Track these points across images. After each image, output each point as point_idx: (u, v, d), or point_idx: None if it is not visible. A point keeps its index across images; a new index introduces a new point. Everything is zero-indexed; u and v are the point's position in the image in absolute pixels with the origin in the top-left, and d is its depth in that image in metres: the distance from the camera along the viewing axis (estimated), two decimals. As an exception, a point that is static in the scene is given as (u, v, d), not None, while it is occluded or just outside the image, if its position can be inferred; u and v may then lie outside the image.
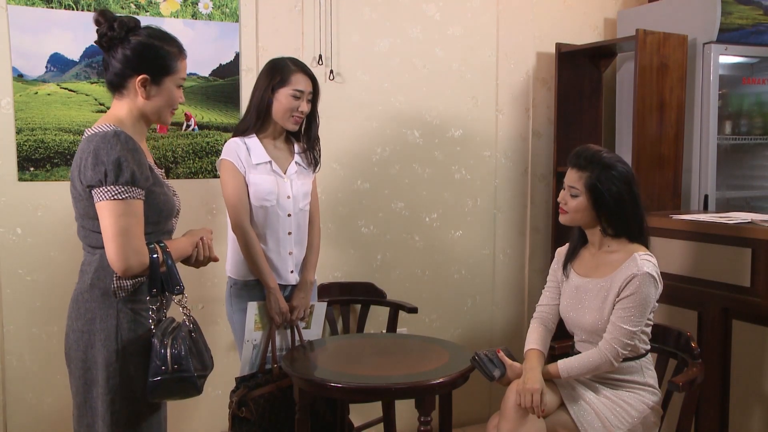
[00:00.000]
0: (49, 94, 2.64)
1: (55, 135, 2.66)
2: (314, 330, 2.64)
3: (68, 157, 2.67)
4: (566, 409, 2.15)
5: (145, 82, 1.78)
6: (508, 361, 2.21)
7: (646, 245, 2.20)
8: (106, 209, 1.67)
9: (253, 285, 2.48)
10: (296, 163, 2.55)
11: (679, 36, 3.20)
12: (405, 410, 3.14)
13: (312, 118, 2.56)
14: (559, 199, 2.24)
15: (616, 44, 3.43)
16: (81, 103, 2.69)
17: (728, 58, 3.38)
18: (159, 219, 1.81)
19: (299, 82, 2.45)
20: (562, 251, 2.38)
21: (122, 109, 1.81)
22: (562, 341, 2.43)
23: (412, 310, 3.03)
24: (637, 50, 3.11)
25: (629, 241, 2.18)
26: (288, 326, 2.53)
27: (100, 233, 1.71)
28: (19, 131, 2.61)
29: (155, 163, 1.92)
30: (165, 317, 1.81)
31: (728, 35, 3.23)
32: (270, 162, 2.47)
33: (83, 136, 1.77)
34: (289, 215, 2.50)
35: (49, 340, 2.70)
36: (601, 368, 2.13)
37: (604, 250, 2.21)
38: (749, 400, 2.61)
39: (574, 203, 2.18)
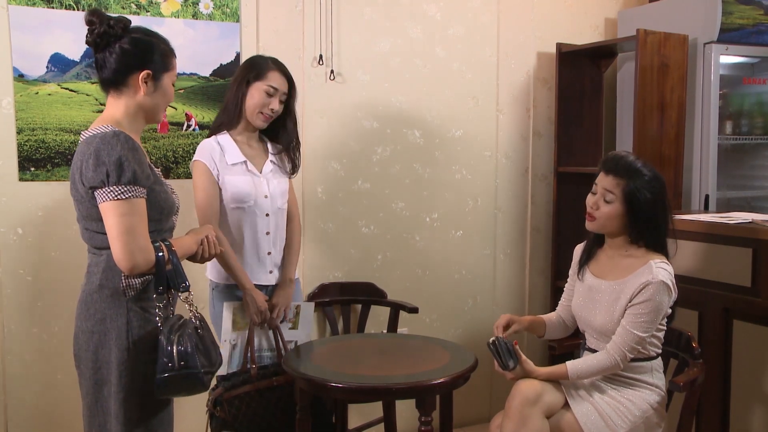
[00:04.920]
0: (49, 94, 2.64)
1: (56, 135, 2.66)
2: (302, 331, 2.61)
3: (69, 157, 2.67)
4: (570, 408, 2.16)
5: (147, 78, 1.80)
6: (522, 356, 2.21)
7: (666, 253, 2.18)
8: (110, 209, 1.69)
9: (235, 286, 2.45)
10: (271, 161, 2.52)
11: (680, 36, 3.20)
12: (405, 410, 3.14)
13: (288, 120, 2.53)
14: (590, 204, 2.20)
15: (616, 44, 3.43)
16: (82, 103, 2.69)
17: (729, 58, 3.38)
18: (161, 217, 1.82)
19: (275, 79, 2.43)
20: (578, 251, 2.39)
21: (119, 108, 1.82)
22: (564, 340, 2.43)
23: (413, 310, 3.03)
24: (637, 50, 3.11)
25: (647, 249, 2.18)
26: (268, 327, 2.49)
27: (105, 234, 1.72)
28: (19, 131, 2.61)
29: (151, 162, 1.92)
30: (172, 314, 1.82)
31: (729, 35, 3.23)
32: (245, 162, 2.44)
33: (81, 139, 1.78)
34: (267, 215, 2.47)
35: (49, 340, 2.70)
36: (609, 370, 2.15)
37: (620, 253, 2.21)
38: (750, 400, 2.61)
39: (606, 210, 2.15)
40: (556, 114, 3.55)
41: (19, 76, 2.59)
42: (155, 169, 1.88)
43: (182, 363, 1.69)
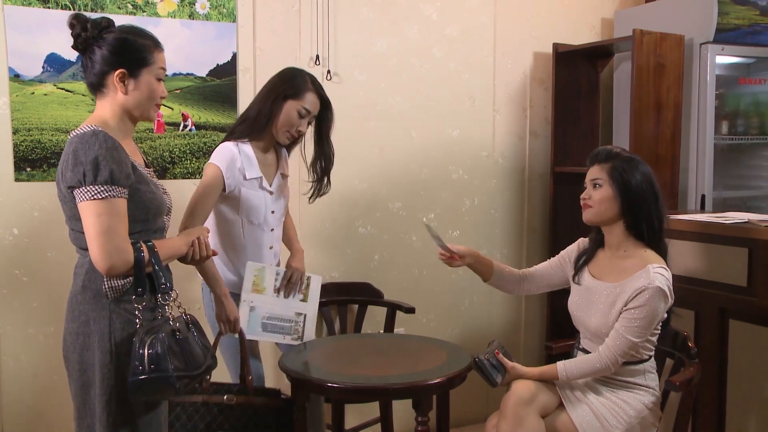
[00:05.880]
0: (45, 95, 2.64)
1: (52, 135, 2.65)
2: (311, 304, 2.57)
3: (65, 157, 2.67)
4: (565, 409, 2.16)
5: (122, 77, 1.77)
6: (509, 363, 2.21)
7: (663, 253, 2.18)
8: (87, 209, 1.67)
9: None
10: (281, 174, 2.49)
11: (676, 36, 3.20)
12: (402, 410, 3.14)
13: (326, 145, 2.49)
14: (582, 196, 2.21)
15: (613, 44, 3.43)
16: (78, 104, 2.68)
17: (725, 58, 3.39)
18: (147, 217, 1.79)
19: (310, 100, 2.38)
20: (583, 243, 2.37)
21: (105, 109, 1.80)
22: (561, 341, 2.44)
23: (410, 310, 3.03)
24: (634, 50, 3.11)
25: (646, 247, 2.17)
26: (233, 333, 2.40)
27: None
28: (15, 131, 2.60)
29: (145, 162, 1.90)
30: (161, 317, 1.80)
31: (725, 35, 3.23)
32: (261, 178, 2.40)
33: (68, 139, 1.76)
34: (272, 230, 2.47)
35: (45, 340, 2.69)
36: (599, 373, 2.14)
37: (620, 254, 2.20)
38: (746, 400, 2.61)
39: (598, 194, 2.16)
40: (552, 114, 3.55)
41: (15, 76, 2.59)
42: (145, 168, 1.85)
43: (152, 366, 1.66)
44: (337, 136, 3.12)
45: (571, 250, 2.39)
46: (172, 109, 2.83)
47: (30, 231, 2.65)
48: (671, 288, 2.11)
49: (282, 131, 2.39)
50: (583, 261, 2.31)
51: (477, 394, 3.49)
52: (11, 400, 2.66)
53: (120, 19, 2.69)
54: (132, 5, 2.74)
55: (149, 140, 2.80)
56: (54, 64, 2.64)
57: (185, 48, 2.82)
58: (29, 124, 2.62)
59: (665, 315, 2.15)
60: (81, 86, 2.68)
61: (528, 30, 3.56)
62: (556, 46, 3.51)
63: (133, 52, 1.78)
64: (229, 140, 2.40)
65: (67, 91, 2.67)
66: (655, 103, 3.17)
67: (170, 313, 1.81)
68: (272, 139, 2.44)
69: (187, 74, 2.84)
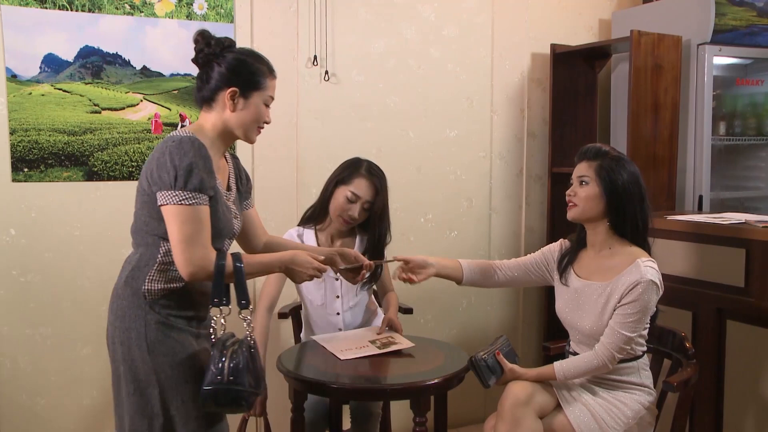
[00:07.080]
0: (43, 95, 2.63)
1: (49, 136, 2.65)
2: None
3: (62, 157, 2.67)
4: (562, 410, 2.16)
5: (234, 95, 1.81)
6: (507, 365, 2.20)
7: (648, 250, 2.18)
8: (172, 214, 1.69)
9: None
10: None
11: (674, 37, 3.21)
12: (400, 410, 3.14)
13: (377, 228, 2.47)
14: (567, 193, 2.20)
15: (610, 45, 3.44)
16: (75, 104, 2.68)
17: (722, 59, 3.39)
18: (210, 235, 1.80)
19: (360, 186, 2.43)
20: (565, 243, 2.35)
21: (208, 121, 1.85)
22: (559, 341, 2.44)
23: (407, 311, 3.02)
24: (631, 51, 3.12)
25: (630, 243, 2.17)
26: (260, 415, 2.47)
27: (149, 232, 1.75)
28: (12, 132, 2.60)
29: (227, 185, 1.92)
30: (224, 330, 1.80)
31: (722, 36, 3.24)
32: None
33: (163, 138, 1.80)
34: (338, 314, 2.51)
35: (43, 341, 2.69)
36: (596, 371, 2.13)
37: (604, 253, 2.19)
38: (743, 400, 2.61)
39: (584, 192, 2.15)
40: (550, 115, 3.55)
41: (12, 77, 2.59)
42: (225, 190, 1.87)
43: (231, 378, 1.69)
44: (335, 137, 3.14)
45: (554, 249, 2.36)
46: (170, 110, 2.83)
47: (27, 231, 2.65)
48: (662, 280, 2.11)
49: (335, 216, 2.46)
50: (566, 262, 2.29)
51: (475, 395, 3.49)
52: (8, 401, 2.66)
53: (118, 20, 2.71)
54: (130, 6, 2.74)
55: (147, 140, 2.79)
56: (51, 64, 2.64)
57: (183, 48, 2.82)
58: (26, 124, 2.62)
59: (654, 309, 2.15)
60: (78, 87, 2.68)
61: (526, 31, 3.56)
62: (553, 46, 3.52)
63: (248, 74, 1.83)
64: (297, 226, 2.54)
65: (65, 91, 2.66)
66: (652, 104, 3.18)
67: (249, 332, 1.81)
68: (338, 227, 2.50)
69: (185, 75, 2.84)
